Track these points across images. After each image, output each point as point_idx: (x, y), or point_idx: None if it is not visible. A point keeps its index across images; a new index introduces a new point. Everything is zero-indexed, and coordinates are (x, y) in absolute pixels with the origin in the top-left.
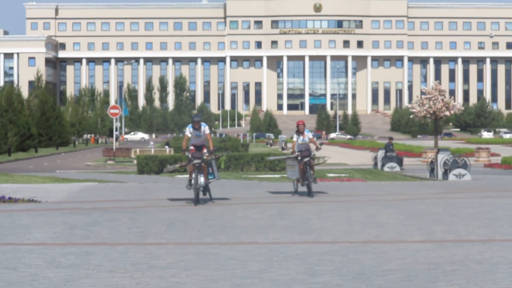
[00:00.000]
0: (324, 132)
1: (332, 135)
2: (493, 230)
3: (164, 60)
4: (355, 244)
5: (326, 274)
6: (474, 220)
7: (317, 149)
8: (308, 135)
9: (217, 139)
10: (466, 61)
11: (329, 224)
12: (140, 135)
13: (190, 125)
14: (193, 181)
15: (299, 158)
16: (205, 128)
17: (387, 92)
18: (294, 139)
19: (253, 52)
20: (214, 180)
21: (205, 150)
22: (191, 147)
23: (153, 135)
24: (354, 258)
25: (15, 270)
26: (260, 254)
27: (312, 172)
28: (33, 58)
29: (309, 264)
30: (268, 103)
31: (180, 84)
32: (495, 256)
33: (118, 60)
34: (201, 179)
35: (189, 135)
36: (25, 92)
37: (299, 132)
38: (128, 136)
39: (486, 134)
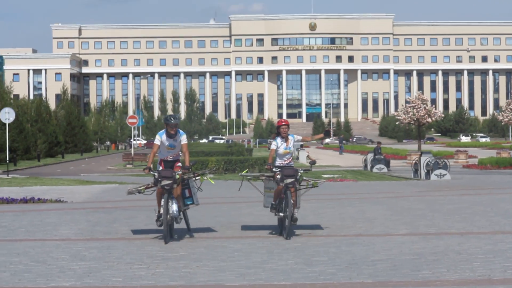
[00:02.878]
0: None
1: (327, 140)
2: (470, 224)
3: (177, 74)
4: (347, 237)
5: (321, 264)
6: (454, 215)
7: (311, 162)
8: (295, 138)
9: (224, 145)
10: (446, 73)
11: (324, 220)
12: (143, 142)
13: (162, 131)
14: (162, 210)
15: (277, 177)
16: (182, 137)
17: (375, 102)
18: (273, 146)
19: (255, 67)
20: (193, 206)
21: (179, 167)
22: (159, 166)
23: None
24: (346, 250)
25: (43, 263)
26: (263, 247)
27: (293, 200)
28: (59, 73)
29: (306, 255)
30: (269, 112)
31: (190, 96)
32: (472, 247)
33: (135, 75)
34: (173, 207)
35: (159, 144)
36: (52, 104)
37: (282, 137)
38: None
39: (464, 138)
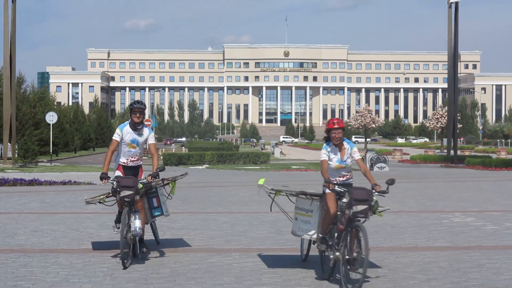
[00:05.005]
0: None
1: (296, 140)
2: (403, 204)
3: (182, 88)
4: None
5: (289, 234)
6: (390, 197)
7: (389, 181)
8: (352, 151)
9: (216, 143)
10: (387, 90)
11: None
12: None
13: (124, 124)
14: (120, 226)
15: (343, 201)
16: (149, 136)
17: (333, 111)
18: (324, 156)
19: (242, 84)
20: (162, 217)
21: (143, 175)
22: (118, 172)
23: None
24: None
25: (77, 230)
26: (244, 220)
27: (362, 239)
28: (92, 86)
29: (278, 227)
30: (252, 118)
31: (192, 105)
32: (403, 222)
33: (151, 88)
34: (136, 224)
35: (118, 140)
36: (86, 110)
37: (334, 145)
38: None
39: (400, 140)
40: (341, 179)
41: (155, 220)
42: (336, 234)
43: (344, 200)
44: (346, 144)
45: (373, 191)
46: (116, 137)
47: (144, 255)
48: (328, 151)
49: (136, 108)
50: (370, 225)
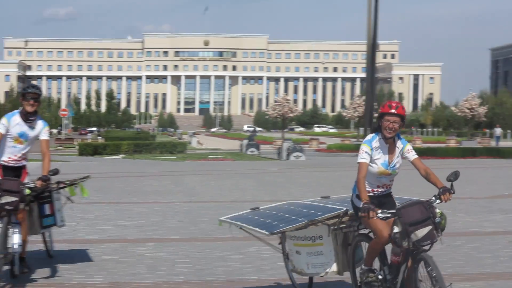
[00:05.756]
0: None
1: (213, 129)
2: (316, 193)
3: (100, 77)
4: (224, 203)
5: (203, 223)
6: (306, 186)
7: (452, 176)
8: (405, 150)
9: (133, 132)
10: (306, 79)
11: (208, 189)
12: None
13: (13, 113)
14: None
15: (395, 231)
16: (43, 130)
17: (251, 100)
18: (364, 157)
19: (161, 73)
20: (55, 229)
21: (26, 178)
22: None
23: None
24: (223, 212)
25: None
26: (159, 210)
27: (434, 273)
28: (8, 75)
29: (192, 217)
30: (170, 107)
31: (110, 94)
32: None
33: (68, 77)
34: (14, 239)
35: (3, 133)
36: (1, 99)
37: (383, 138)
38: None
39: (318, 129)
40: (380, 190)
41: (47, 230)
42: (386, 267)
43: (396, 229)
44: (399, 143)
45: (435, 199)
46: (0, 128)
47: (26, 276)
48: (372, 148)
49: (30, 94)
50: None
